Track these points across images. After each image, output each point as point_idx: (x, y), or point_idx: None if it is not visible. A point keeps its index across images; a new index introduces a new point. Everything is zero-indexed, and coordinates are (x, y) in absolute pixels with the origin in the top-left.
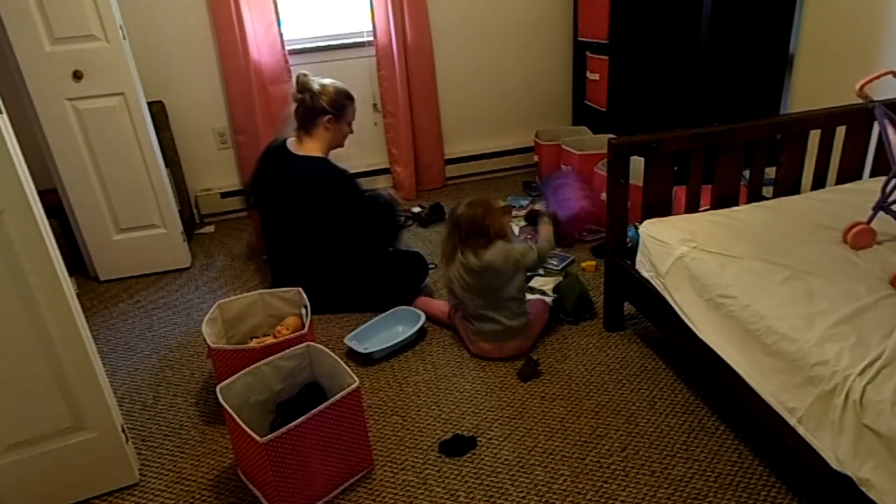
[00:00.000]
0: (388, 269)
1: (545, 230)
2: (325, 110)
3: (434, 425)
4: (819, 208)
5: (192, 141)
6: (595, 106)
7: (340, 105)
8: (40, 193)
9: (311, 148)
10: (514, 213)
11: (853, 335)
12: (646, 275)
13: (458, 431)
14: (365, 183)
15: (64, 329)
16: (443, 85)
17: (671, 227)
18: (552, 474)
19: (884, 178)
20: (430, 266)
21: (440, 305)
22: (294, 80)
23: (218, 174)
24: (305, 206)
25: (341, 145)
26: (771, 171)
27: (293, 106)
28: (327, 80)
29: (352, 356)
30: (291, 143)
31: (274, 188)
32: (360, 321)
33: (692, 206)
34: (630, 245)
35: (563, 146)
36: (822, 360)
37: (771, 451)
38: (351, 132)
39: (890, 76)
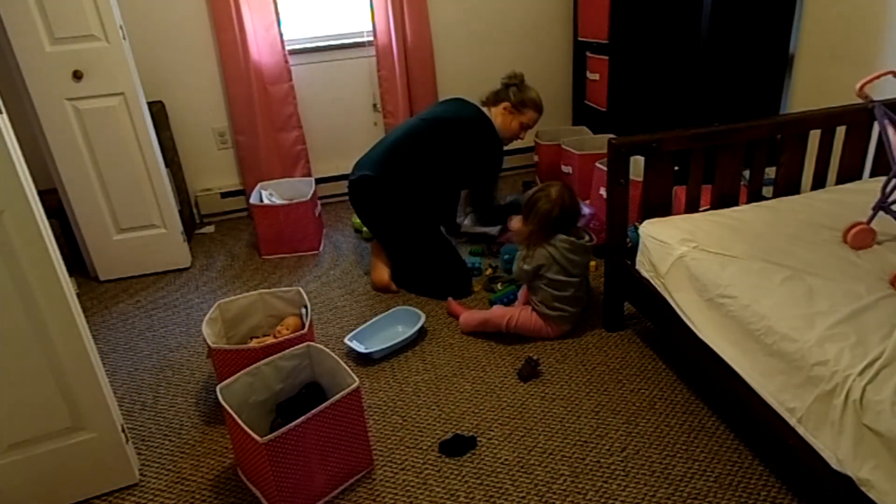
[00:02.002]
0: (438, 261)
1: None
2: (508, 98)
3: (434, 425)
4: (819, 208)
5: (192, 141)
6: (595, 106)
7: (522, 103)
8: (40, 193)
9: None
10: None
11: (853, 335)
12: (646, 275)
13: (458, 431)
14: None
15: (64, 329)
16: (443, 85)
17: (671, 227)
18: (552, 474)
19: (884, 178)
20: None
21: (490, 316)
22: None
23: (218, 174)
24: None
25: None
26: (771, 171)
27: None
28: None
29: (352, 356)
30: None
31: None
32: (360, 321)
33: (692, 206)
34: (630, 245)
35: (563, 146)
36: (822, 360)
37: (771, 451)
38: (520, 137)
39: (890, 76)
